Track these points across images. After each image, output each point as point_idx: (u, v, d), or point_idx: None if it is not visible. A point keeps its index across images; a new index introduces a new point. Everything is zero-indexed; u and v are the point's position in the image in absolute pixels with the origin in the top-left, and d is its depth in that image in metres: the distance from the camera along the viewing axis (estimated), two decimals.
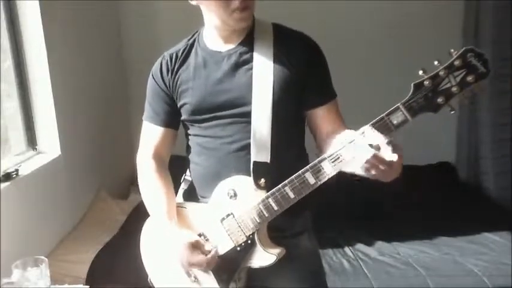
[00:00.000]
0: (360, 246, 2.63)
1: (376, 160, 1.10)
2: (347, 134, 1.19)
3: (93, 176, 2.89)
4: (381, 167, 1.11)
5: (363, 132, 1.14)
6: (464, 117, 3.53)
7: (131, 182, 3.32)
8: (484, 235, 2.70)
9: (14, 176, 2.06)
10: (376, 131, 1.11)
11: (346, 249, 2.61)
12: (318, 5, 3.31)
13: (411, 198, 3.13)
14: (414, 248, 2.58)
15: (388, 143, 1.10)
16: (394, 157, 1.10)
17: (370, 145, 1.11)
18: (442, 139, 3.50)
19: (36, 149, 2.42)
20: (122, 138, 3.48)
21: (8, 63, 2.28)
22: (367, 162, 1.11)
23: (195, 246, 1.32)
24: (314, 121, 1.38)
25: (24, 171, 2.15)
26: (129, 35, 3.51)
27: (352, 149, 1.14)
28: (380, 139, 1.10)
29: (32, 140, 2.41)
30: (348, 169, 1.19)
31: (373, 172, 1.13)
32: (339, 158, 1.17)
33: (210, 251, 1.33)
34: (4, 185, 1.97)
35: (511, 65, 3.16)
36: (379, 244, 2.64)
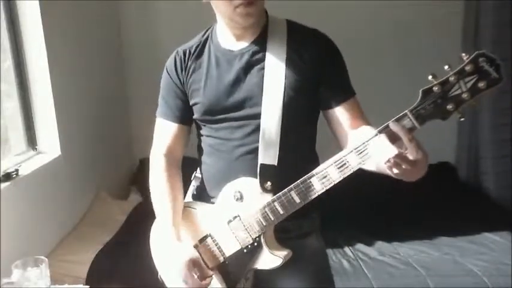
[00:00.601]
0: (360, 246, 2.63)
1: (399, 158, 1.06)
2: (359, 137, 1.16)
3: (93, 176, 2.89)
4: (404, 166, 1.07)
5: (387, 125, 1.08)
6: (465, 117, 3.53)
7: (131, 183, 3.32)
8: (484, 235, 2.70)
9: (14, 176, 2.06)
10: (400, 125, 1.06)
11: (346, 249, 2.61)
12: (317, 6, 3.31)
13: (411, 198, 3.13)
14: (414, 248, 2.58)
15: (412, 141, 1.06)
16: (418, 155, 1.06)
17: (392, 141, 1.07)
18: (442, 139, 3.49)
19: (36, 149, 2.42)
20: (122, 138, 3.48)
21: (8, 63, 2.28)
22: (389, 161, 1.07)
23: (195, 264, 1.32)
24: (334, 121, 1.34)
25: (24, 171, 2.14)
26: (129, 35, 3.51)
27: (375, 147, 1.10)
28: (405, 136, 1.06)
29: (32, 140, 2.41)
30: (366, 167, 1.16)
31: (395, 171, 1.09)
32: (345, 164, 1.14)
33: (207, 275, 1.32)
34: (4, 185, 1.97)
35: (511, 65, 3.16)
36: (379, 244, 2.65)
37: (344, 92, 1.34)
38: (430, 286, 2.26)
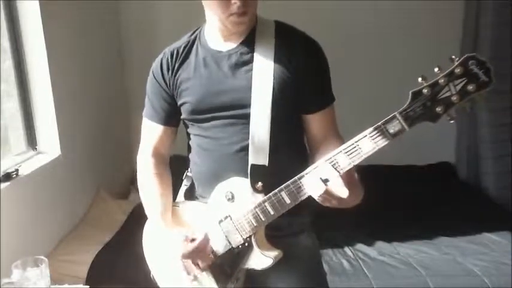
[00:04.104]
0: (360, 246, 2.63)
1: (327, 195, 1.13)
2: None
3: (93, 176, 2.89)
4: (333, 201, 1.14)
5: (316, 167, 1.15)
6: (464, 117, 3.53)
7: (131, 182, 3.32)
8: (484, 235, 2.70)
9: (14, 176, 2.06)
10: (329, 165, 1.13)
11: (346, 249, 2.61)
12: (315, 6, 3.31)
13: (411, 198, 3.13)
14: (414, 248, 2.58)
15: (339, 178, 1.11)
16: (344, 194, 1.11)
17: (322, 180, 1.13)
18: (442, 139, 3.50)
19: (36, 149, 2.42)
20: (122, 138, 3.48)
21: (8, 63, 2.28)
22: (320, 196, 1.14)
23: (186, 240, 1.34)
24: (307, 126, 1.37)
25: (24, 171, 2.15)
26: (129, 35, 3.51)
27: (306, 181, 1.17)
28: (331, 174, 1.12)
29: (32, 140, 2.41)
30: None
31: (326, 204, 1.16)
32: (335, 164, 1.15)
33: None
34: (4, 185, 1.97)
35: (511, 65, 3.16)
36: (379, 244, 2.64)
37: (322, 100, 1.36)
38: (430, 286, 2.26)
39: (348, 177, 1.13)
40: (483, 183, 3.49)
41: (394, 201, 3.04)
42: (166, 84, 1.40)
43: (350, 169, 1.13)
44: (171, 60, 1.39)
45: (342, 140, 1.28)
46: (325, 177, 1.13)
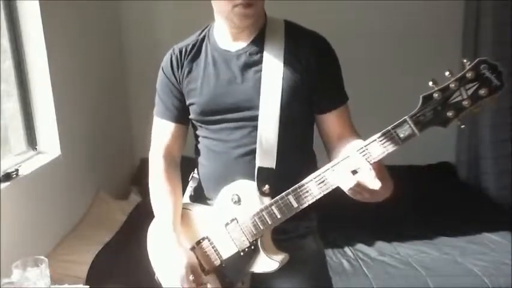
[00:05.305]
0: (360, 246, 2.63)
1: (358, 187, 1.10)
2: (349, 148, 1.17)
3: (93, 176, 2.89)
4: (365, 194, 1.11)
5: (348, 157, 1.12)
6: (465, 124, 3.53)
7: (131, 182, 3.32)
8: (484, 235, 2.70)
9: (14, 176, 2.06)
10: (360, 155, 1.10)
11: (346, 249, 2.61)
12: (316, 5, 3.31)
13: (411, 198, 3.13)
14: (414, 248, 2.58)
15: (371, 169, 1.08)
16: (376, 185, 1.08)
17: (353, 171, 1.11)
18: (442, 139, 3.50)
19: (36, 149, 2.42)
20: (122, 138, 3.48)
21: (8, 63, 2.28)
22: (350, 189, 1.11)
23: (192, 270, 1.32)
24: (323, 125, 1.35)
25: (24, 171, 2.14)
26: (129, 35, 3.51)
27: (335, 175, 1.14)
28: (363, 165, 1.09)
29: (32, 140, 2.41)
30: None
31: (358, 197, 1.14)
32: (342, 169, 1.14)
33: (202, 282, 1.32)
34: (4, 185, 1.97)
35: (511, 65, 3.16)
36: (379, 244, 2.64)
37: (336, 99, 1.34)
38: (430, 286, 2.26)
39: (378, 169, 1.11)
40: (483, 183, 3.50)
41: (394, 201, 3.03)
42: (176, 80, 1.38)
43: (380, 161, 1.11)
44: (180, 58, 1.37)
45: (359, 137, 1.27)
46: (356, 168, 1.11)
